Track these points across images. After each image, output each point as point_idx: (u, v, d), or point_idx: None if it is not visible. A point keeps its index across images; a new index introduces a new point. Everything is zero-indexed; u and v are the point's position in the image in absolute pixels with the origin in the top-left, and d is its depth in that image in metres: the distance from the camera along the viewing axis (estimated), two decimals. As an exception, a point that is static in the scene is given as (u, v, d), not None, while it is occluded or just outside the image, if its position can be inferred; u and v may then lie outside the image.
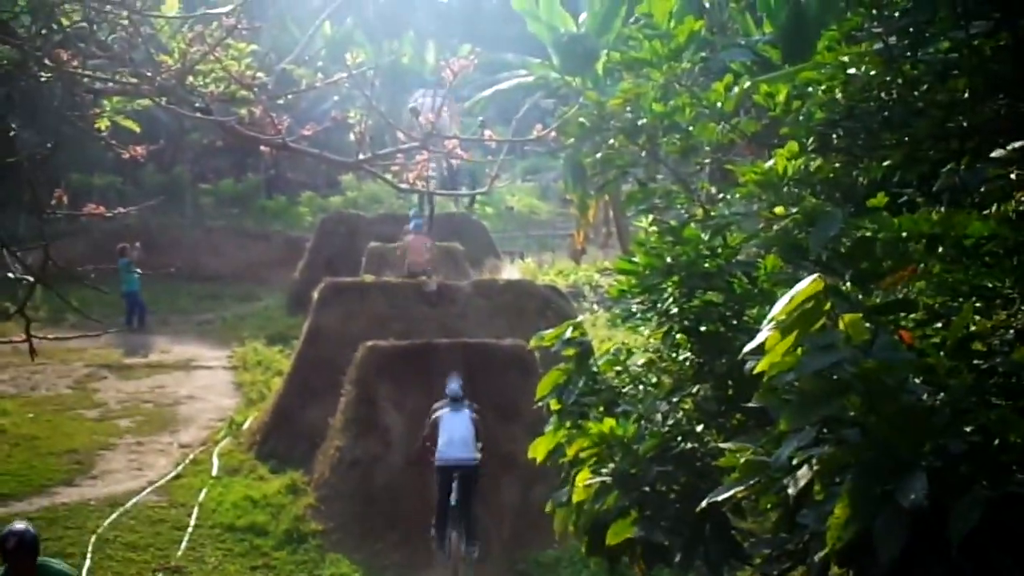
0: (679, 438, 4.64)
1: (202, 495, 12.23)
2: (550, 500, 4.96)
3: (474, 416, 10.70)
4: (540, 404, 5.24)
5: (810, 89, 5.79)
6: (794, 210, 4.15)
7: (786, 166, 4.62)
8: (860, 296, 3.46)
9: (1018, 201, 3.80)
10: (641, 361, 5.38)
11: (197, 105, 5.12)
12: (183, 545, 10.99)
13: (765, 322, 2.80)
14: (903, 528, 2.43)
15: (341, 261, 20.41)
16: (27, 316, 5.26)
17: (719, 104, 6.39)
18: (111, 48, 5.09)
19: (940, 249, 3.72)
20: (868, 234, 3.78)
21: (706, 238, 5.01)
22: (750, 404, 3.18)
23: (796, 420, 2.74)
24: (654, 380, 5.23)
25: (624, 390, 5.20)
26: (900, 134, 5.20)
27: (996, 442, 2.63)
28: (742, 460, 3.10)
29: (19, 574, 5.46)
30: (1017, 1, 5.07)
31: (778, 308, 2.74)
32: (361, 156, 5.07)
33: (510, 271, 19.31)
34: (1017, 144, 4.01)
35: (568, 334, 5.25)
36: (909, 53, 5.47)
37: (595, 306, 20.52)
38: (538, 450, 4.99)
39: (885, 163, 5.08)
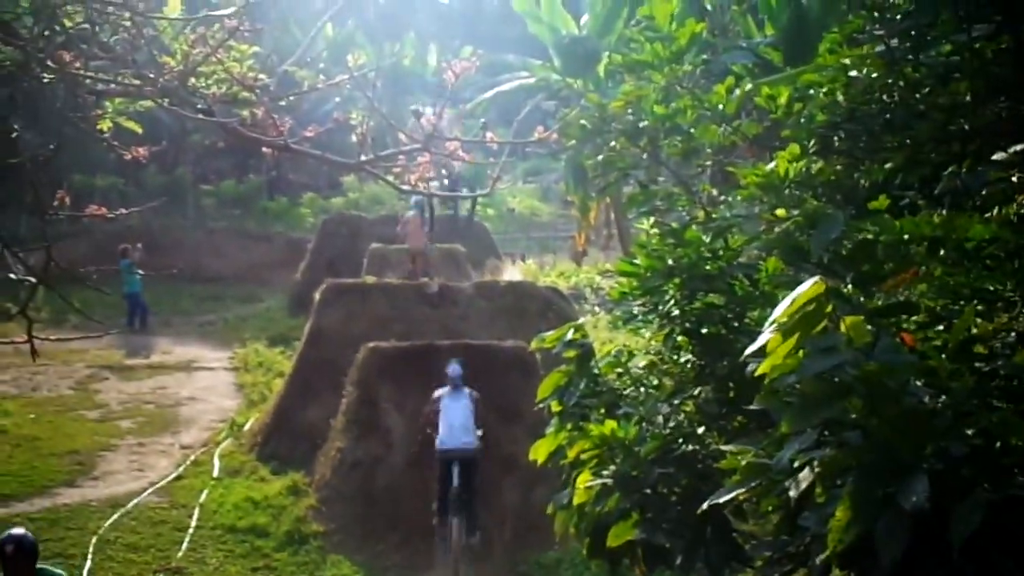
0: (680, 440, 4.64)
1: (203, 496, 12.23)
2: (551, 502, 4.96)
3: (474, 399, 10.78)
4: (541, 406, 5.25)
5: (811, 91, 5.79)
6: (795, 212, 4.15)
7: (787, 168, 4.61)
8: (861, 299, 3.46)
9: (1019, 204, 3.80)
10: (642, 363, 5.38)
11: (199, 106, 5.14)
12: (184, 546, 10.99)
13: (766, 324, 2.80)
14: (904, 531, 2.43)
15: (343, 262, 20.40)
16: (29, 317, 5.26)
17: (720, 106, 6.39)
18: (113, 49, 5.10)
19: (942, 252, 3.72)
20: (869, 237, 3.78)
21: (707, 240, 5.01)
22: (751, 406, 3.18)
23: (797, 422, 2.74)
24: (655, 382, 5.23)
25: (625, 392, 5.21)
26: (902, 137, 5.20)
27: (997, 445, 2.62)
28: (743, 462, 3.11)
29: None
30: (1018, 4, 5.07)
31: (779, 310, 2.74)
32: (363, 157, 5.08)
33: (511, 273, 19.31)
34: (1018, 147, 4.01)
35: (569, 336, 5.25)
36: (911, 56, 5.47)
37: (596, 308, 20.51)
38: (539, 452, 4.99)
39: (887, 166, 5.08)
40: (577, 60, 20.68)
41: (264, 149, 5.51)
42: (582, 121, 7.04)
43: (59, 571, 5.81)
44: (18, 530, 5.65)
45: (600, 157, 7.10)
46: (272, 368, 17.71)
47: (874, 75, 5.44)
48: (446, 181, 18.41)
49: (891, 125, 5.29)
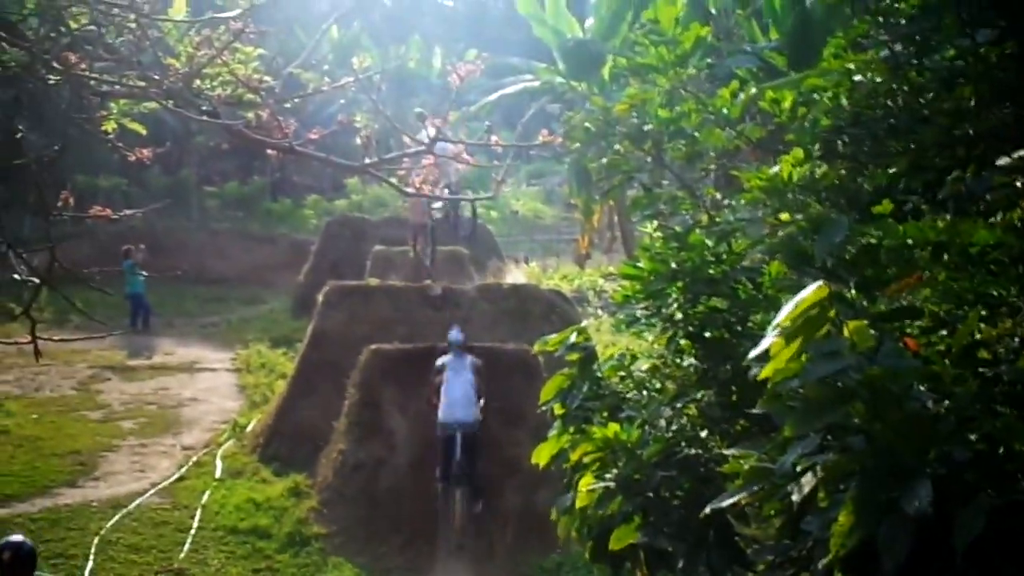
0: (683, 444, 4.64)
1: (205, 497, 12.24)
2: (554, 505, 4.96)
3: (475, 369, 10.86)
4: (544, 409, 5.25)
5: (816, 96, 5.78)
6: (799, 216, 4.15)
7: (791, 172, 4.61)
8: (865, 303, 3.46)
9: (1023, 209, 3.80)
10: (645, 366, 5.37)
11: (204, 108, 5.14)
12: (186, 547, 10.99)
13: (770, 328, 2.80)
14: (907, 535, 2.42)
15: (346, 264, 20.41)
16: (32, 317, 5.27)
17: (725, 110, 6.38)
18: (119, 51, 5.11)
19: (945, 257, 3.71)
20: (873, 241, 3.77)
21: (711, 244, 5.01)
22: (754, 410, 3.18)
23: (800, 427, 2.73)
24: (658, 385, 5.23)
25: (628, 395, 5.20)
26: (906, 141, 5.19)
27: (1001, 450, 2.62)
28: (746, 466, 3.10)
29: None
30: (1023, 9, 5.07)
31: (783, 314, 2.74)
32: (367, 160, 5.09)
33: (515, 275, 19.30)
34: (1022, 152, 4.00)
35: (572, 339, 5.25)
36: (915, 60, 5.46)
37: (599, 311, 20.50)
38: (542, 455, 4.99)
39: (891, 170, 5.07)
40: (581, 63, 20.69)
41: (268, 151, 5.52)
42: (586, 124, 7.04)
43: None
44: (16, 537, 5.64)
45: (604, 160, 7.09)
46: (274, 370, 17.72)
47: (878, 80, 5.43)
48: (447, 191, 18.42)
49: (895, 130, 5.29)
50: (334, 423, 12.80)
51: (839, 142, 5.51)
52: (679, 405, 4.90)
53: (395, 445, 12.08)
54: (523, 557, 11.09)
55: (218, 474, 13.07)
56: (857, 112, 5.43)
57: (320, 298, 15.46)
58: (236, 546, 11.24)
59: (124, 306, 20.32)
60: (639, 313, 5.31)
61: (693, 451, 4.59)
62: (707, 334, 4.94)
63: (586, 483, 4.48)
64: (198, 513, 11.79)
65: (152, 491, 12.36)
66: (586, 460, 4.56)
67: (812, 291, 2.71)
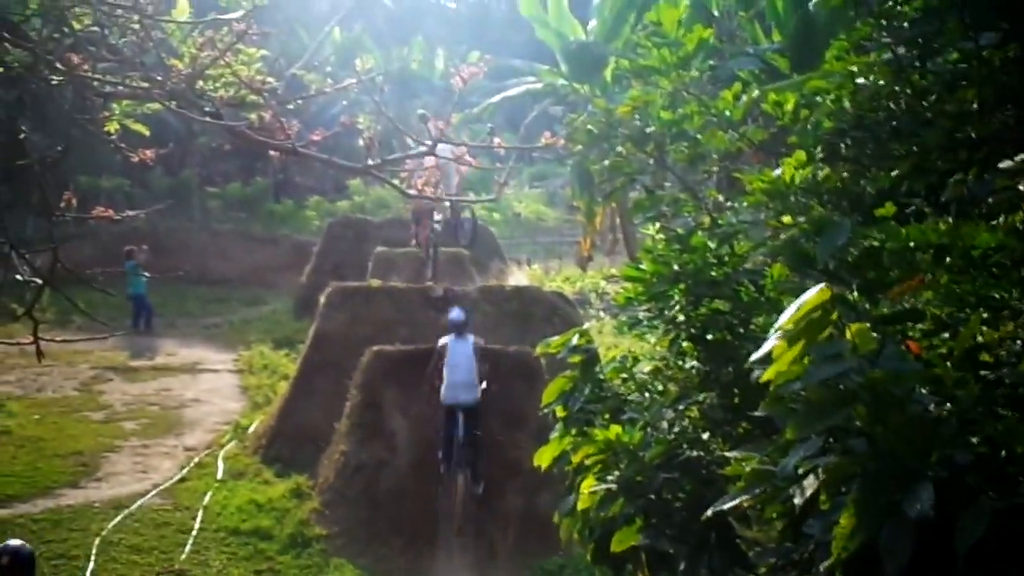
0: (685, 446, 4.63)
1: (207, 498, 12.25)
2: (555, 507, 4.96)
3: (477, 350, 10.82)
4: (546, 411, 5.24)
5: (818, 98, 5.78)
6: (801, 219, 4.15)
7: (794, 175, 4.61)
8: (867, 306, 3.45)
9: (1026, 212, 3.80)
10: (647, 368, 5.37)
11: (207, 109, 5.14)
12: (187, 548, 11.01)
13: (772, 331, 2.80)
14: (909, 538, 2.42)
15: (348, 266, 20.43)
16: (35, 318, 5.27)
17: (727, 112, 6.37)
18: (121, 52, 5.11)
19: (948, 260, 3.71)
20: (875, 244, 3.77)
21: (713, 246, 5.00)
22: (756, 413, 3.18)
23: (802, 429, 2.73)
24: (660, 388, 5.22)
25: (630, 397, 5.20)
26: (908, 144, 5.18)
27: (1003, 453, 2.62)
28: (748, 469, 3.10)
29: None
30: (1026, 12, 5.06)
31: (785, 317, 2.74)
32: (369, 161, 5.09)
33: (517, 277, 19.30)
34: (1026, 155, 4.00)
35: (574, 341, 5.24)
36: (918, 63, 5.46)
37: (601, 313, 20.51)
38: (543, 457, 4.99)
39: (893, 173, 5.07)
40: (584, 65, 20.68)
41: (271, 152, 5.52)
42: (588, 126, 7.03)
43: None
44: (15, 541, 5.65)
45: (606, 162, 7.08)
46: (276, 371, 17.74)
47: (881, 82, 5.43)
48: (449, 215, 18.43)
49: (898, 132, 5.28)
50: (336, 424, 12.81)
51: (842, 145, 5.51)
52: (681, 407, 4.89)
53: (397, 446, 12.09)
54: (525, 559, 11.10)
55: (220, 475, 13.08)
56: (860, 115, 5.43)
57: (322, 299, 15.47)
58: (238, 547, 11.25)
59: (126, 307, 20.34)
60: (641, 315, 5.31)
61: (695, 453, 4.59)
62: (709, 336, 4.94)
63: (588, 485, 4.48)
64: (200, 514, 11.80)
65: (154, 492, 12.38)
66: (588, 462, 4.56)
67: (814, 294, 2.70)
